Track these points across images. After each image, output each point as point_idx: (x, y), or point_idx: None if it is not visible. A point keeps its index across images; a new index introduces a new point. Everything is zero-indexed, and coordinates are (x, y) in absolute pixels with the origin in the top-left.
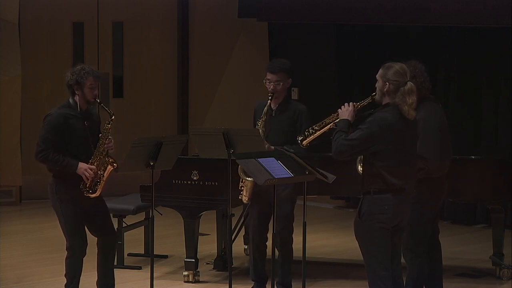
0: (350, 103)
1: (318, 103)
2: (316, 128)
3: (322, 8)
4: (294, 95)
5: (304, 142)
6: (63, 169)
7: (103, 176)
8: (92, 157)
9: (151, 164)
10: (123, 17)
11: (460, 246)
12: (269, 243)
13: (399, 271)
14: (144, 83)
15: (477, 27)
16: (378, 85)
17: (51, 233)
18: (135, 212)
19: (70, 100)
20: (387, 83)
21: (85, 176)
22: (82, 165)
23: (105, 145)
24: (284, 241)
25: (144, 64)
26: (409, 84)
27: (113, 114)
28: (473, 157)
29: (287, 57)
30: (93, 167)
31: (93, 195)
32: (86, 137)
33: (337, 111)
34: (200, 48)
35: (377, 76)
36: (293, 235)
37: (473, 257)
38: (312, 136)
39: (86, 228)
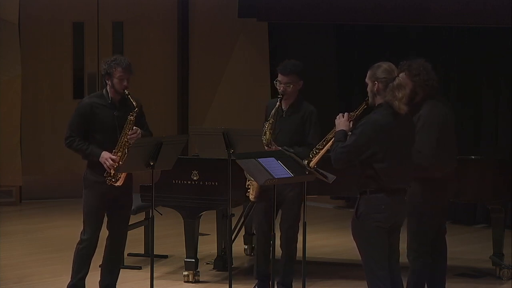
0: (345, 114)
1: (318, 103)
2: (319, 147)
3: (322, 8)
4: None
5: (311, 164)
6: (87, 157)
7: None
8: (116, 146)
9: (151, 164)
10: (123, 17)
11: (460, 246)
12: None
13: (398, 271)
14: (144, 83)
15: (477, 27)
16: (368, 87)
17: (51, 233)
18: (135, 212)
19: (103, 90)
20: (376, 82)
21: (106, 165)
22: (104, 154)
23: (128, 136)
24: (289, 241)
25: (144, 64)
26: (397, 80)
27: (137, 106)
28: (473, 157)
29: (287, 57)
30: (115, 157)
31: (116, 184)
32: (113, 126)
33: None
34: (200, 48)
35: (366, 79)
36: (297, 237)
37: (473, 257)
38: (318, 156)
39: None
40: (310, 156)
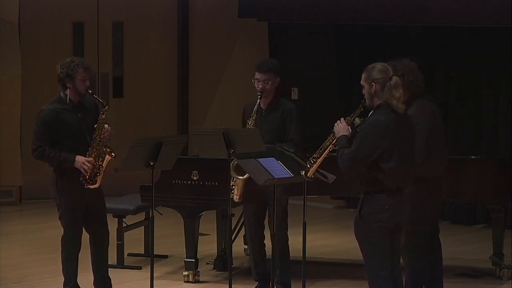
0: (342, 119)
1: (318, 103)
2: (316, 156)
3: (322, 8)
4: (294, 95)
5: (309, 174)
6: (61, 164)
7: (102, 166)
8: (89, 149)
9: (151, 164)
10: (123, 17)
11: (460, 246)
12: (267, 241)
13: (398, 271)
14: (144, 83)
15: (477, 27)
16: (365, 90)
17: (51, 233)
18: (135, 212)
19: (61, 94)
20: (373, 83)
21: (83, 169)
22: (79, 159)
23: (101, 135)
24: (280, 239)
25: (144, 64)
26: (394, 79)
27: (107, 103)
28: (473, 157)
29: (287, 57)
30: (91, 159)
31: (93, 186)
32: (81, 129)
33: (333, 132)
34: (200, 48)
35: (361, 82)
36: (288, 233)
37: (473, 257)
38: (315, 165)
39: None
40: (308, 165)
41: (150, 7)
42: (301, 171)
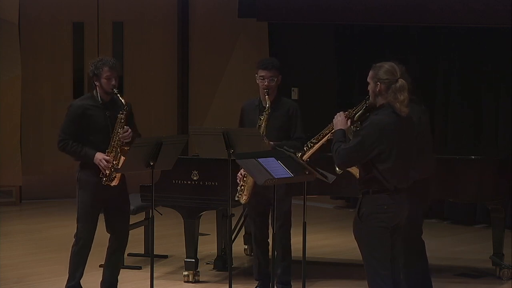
0: (341, 112)
1: (318, 103)
2: (314, 141)
3: (321, 8)
4: (294, 95)
5: (304, 157)
6: (81, 159)
7: (118, 165)
8: (109, 147)
9: (151, 164)
10: (123, 17)
11: (460, 246)
12: (270, 240)
13: (398, 271)
14: (144, 83)
15: (477, 27)
16: (370, 87)
17: (51, 233)
18: (135, 212)
19: (94, 92)
20: (378, 83)
21: (101, 166)
22: (98, 155)
23: (120, 135)
24: (283, 239)
25: (144, 64)
26: (400, 81)
27: (127, 105)
28: (473, 157)
29: (287, 57)
30: (108, 157)
31: (112, 184)
32: (106, 127)
33: (332, 122)
34: (200, 48)
35: (368, 79)
36: (291, 233)
37: (473, 257)
38: (312, 150)
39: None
40: (305, 148)
41: (150, 7)
42: (297, 153)
